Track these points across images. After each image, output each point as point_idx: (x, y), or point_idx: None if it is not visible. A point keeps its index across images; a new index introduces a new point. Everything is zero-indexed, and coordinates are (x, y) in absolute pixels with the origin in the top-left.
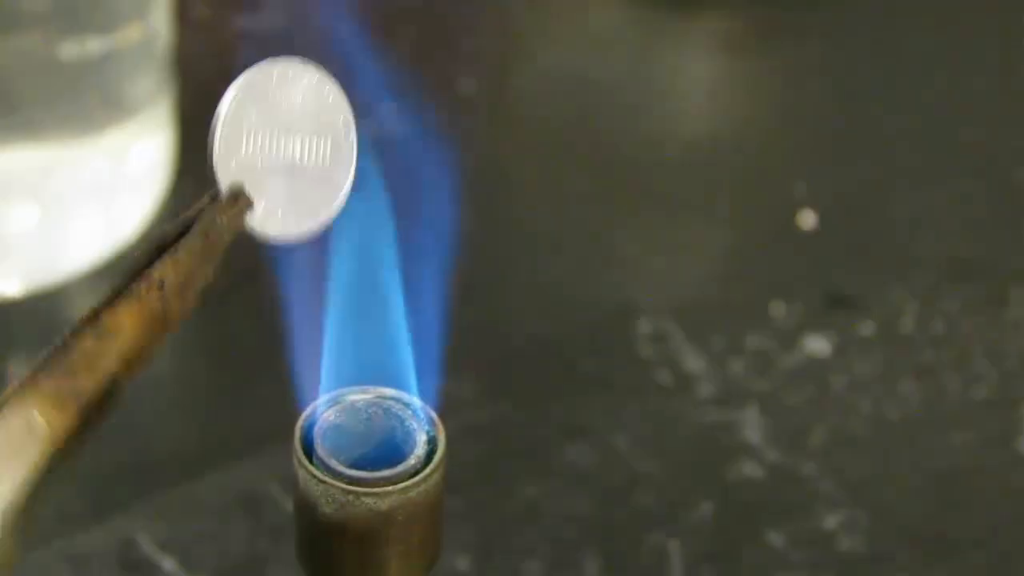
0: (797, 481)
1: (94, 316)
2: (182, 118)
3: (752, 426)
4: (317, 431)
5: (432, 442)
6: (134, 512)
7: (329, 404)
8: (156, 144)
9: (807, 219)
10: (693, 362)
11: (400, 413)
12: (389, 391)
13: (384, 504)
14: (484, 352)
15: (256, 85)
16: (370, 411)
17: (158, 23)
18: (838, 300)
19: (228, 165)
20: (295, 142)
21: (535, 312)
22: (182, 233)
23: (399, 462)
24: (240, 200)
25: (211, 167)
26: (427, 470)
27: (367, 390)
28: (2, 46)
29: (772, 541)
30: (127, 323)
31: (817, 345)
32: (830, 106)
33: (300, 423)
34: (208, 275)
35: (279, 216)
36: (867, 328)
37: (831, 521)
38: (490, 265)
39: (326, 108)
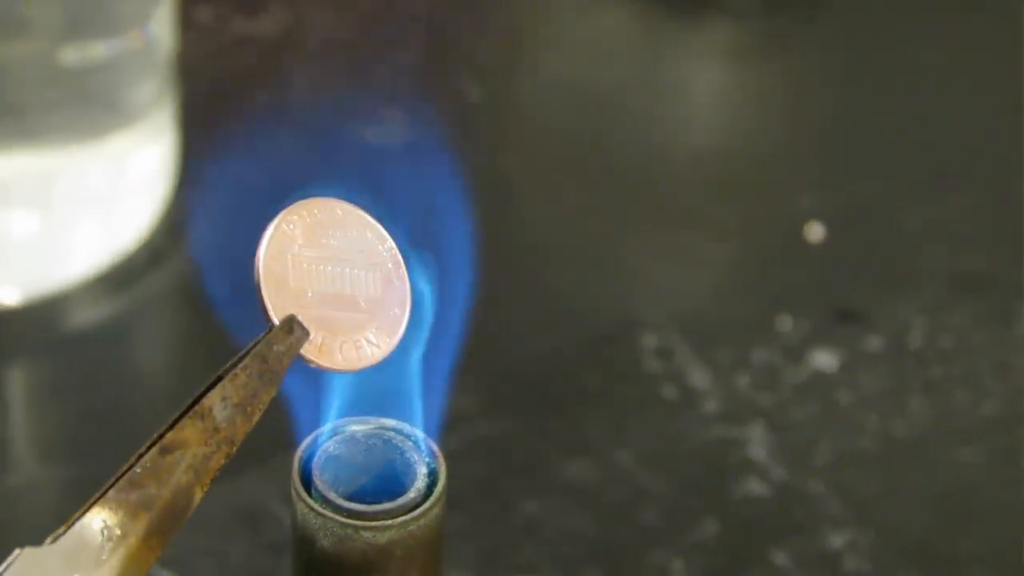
0: (803, 499)
1: (159, 437)
2: (185, 124)
3: (758, 442)
4: (316, 462)
5: (432, 474)
6: None
7: (329, 434)
8: (158, 151)
9: (815, 232)
10: (698, 377)
11: (400, 444)
12: (390, 422)
13: (383, 538)
14: (486, 366)
15: (295, 221)
16: (370, 442)
17: (160, 28)
18: (845, 314)
19: (277, 296)
20: (343, 275)
21: (538, 325)
22: (240, 360)
23: (399, 495)
24: (295, 330)
25: (259, 298)
26: (427, 504)
27: (367, 420)
28: (5, 52)
29: (777, 560)
30: (191, 439)
31: (824, 360)
32: (838, 117)
33: (299, 454)
34: (269, 396)
35: (338, 347)
36: (874, 343)
37: (837, 540)
38: (493, 276)
39: (368, 243)
